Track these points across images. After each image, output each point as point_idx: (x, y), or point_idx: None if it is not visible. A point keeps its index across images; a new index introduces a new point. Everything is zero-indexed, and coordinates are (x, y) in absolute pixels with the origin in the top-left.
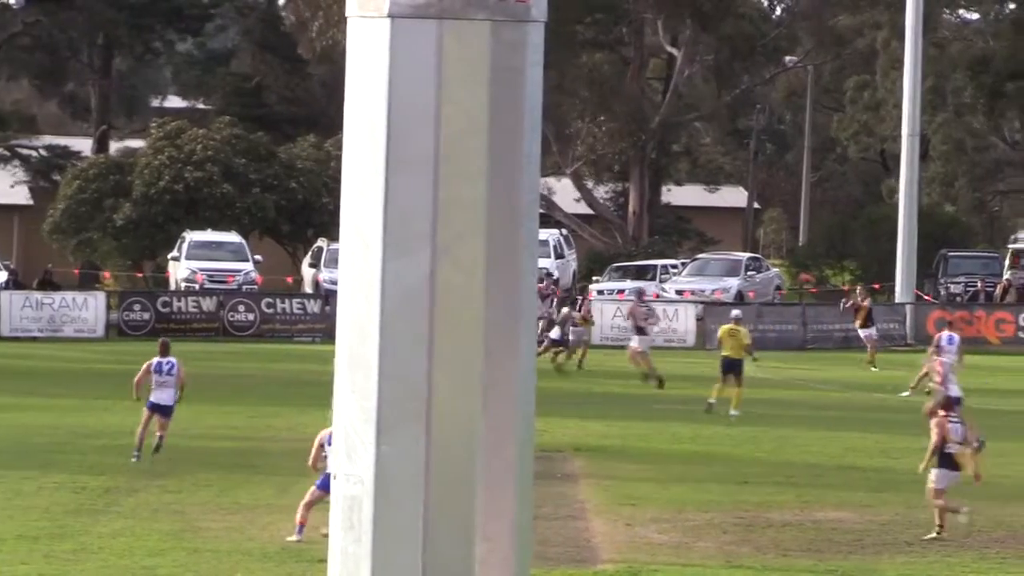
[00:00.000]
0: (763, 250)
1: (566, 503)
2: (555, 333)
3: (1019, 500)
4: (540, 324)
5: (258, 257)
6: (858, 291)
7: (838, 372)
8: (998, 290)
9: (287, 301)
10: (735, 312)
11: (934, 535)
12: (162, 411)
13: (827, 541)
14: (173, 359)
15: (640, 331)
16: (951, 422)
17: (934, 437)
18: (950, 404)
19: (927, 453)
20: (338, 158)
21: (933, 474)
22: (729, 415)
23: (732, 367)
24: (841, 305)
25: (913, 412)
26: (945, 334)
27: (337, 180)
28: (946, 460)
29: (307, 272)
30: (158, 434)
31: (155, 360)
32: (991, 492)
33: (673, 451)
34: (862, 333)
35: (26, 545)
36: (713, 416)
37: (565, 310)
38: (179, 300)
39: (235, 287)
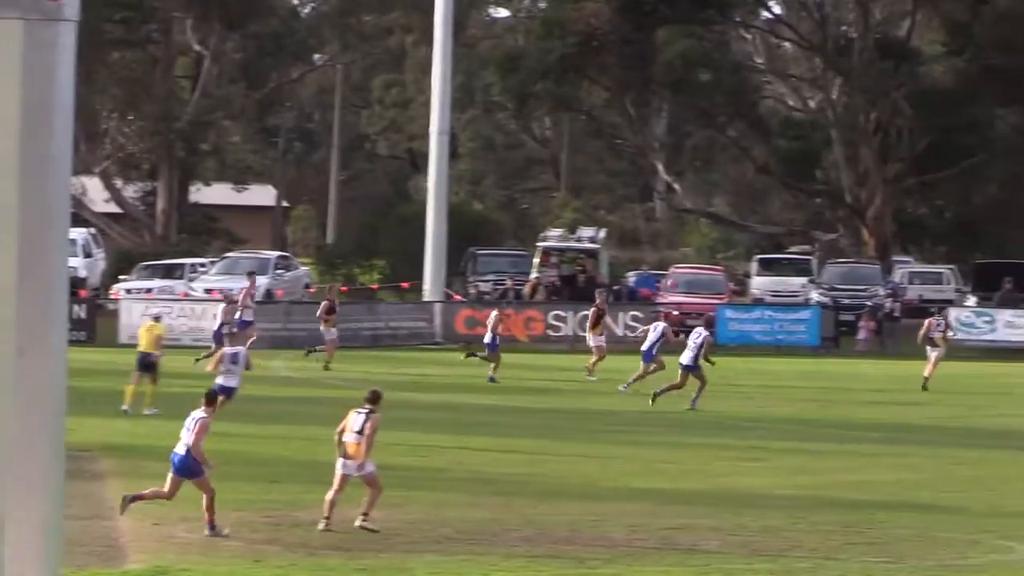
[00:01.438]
0: (292, 248)
1: (94, 502)
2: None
3: (549, 498)
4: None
5: None
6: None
7: (368, 369)
8: (527, 288)
9: None
10: (155, 310)
11: (322, 527)
12: None
13: (357, 540)
14: None
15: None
16: (356, 412)
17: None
18: (375, 397)
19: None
20: None
21: (338, 463)
22: (144, 413)
23: (147, 364)
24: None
25: (446, 410)
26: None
27: None
28: (345, 449)
29: None
30: None
31: None
32: (522, 490)
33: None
34: (594, 340)
35: None
36: (245, 414)
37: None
38: None
39: None
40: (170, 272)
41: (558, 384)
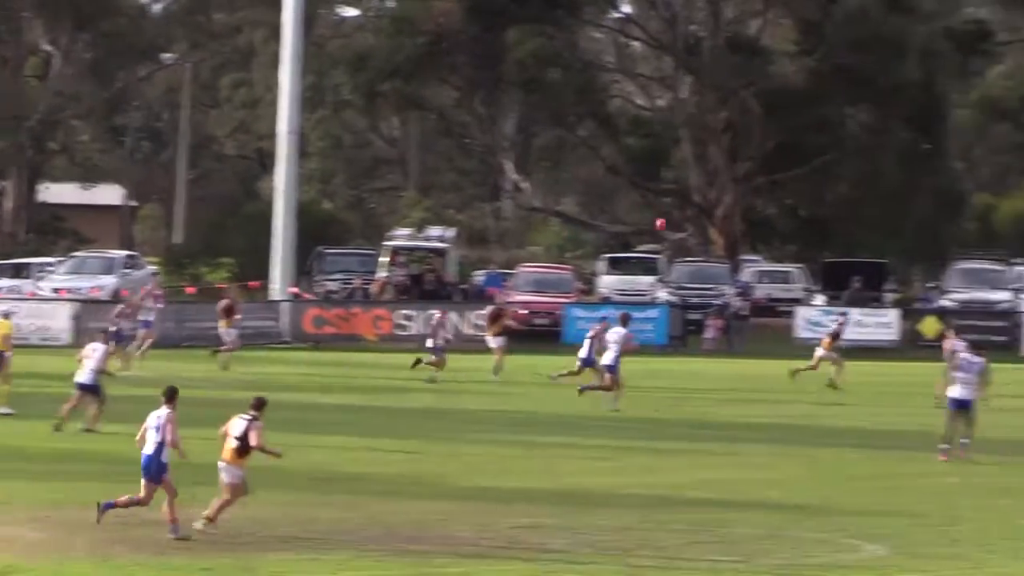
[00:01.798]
0: (140, 248)
1: None
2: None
3: (396, 497)
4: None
5: None
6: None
7: (216, 368)
8: (375, 287)
9: None
10: (3, 308)
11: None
12: None
13: (203, 539)
14: None
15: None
16: (239, 417)
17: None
18: (259, 404)
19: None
20: None
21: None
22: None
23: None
24: None
25: (294, 409)
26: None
27: None
28: (236, 454)
29: None
30: None
31: None
32: (369, 489)
33: (48, 449)
34: (495, 343)
35: None
36: (107, 414)
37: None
38: None
39: None
40: (18, 271)
41: (406, 383)
